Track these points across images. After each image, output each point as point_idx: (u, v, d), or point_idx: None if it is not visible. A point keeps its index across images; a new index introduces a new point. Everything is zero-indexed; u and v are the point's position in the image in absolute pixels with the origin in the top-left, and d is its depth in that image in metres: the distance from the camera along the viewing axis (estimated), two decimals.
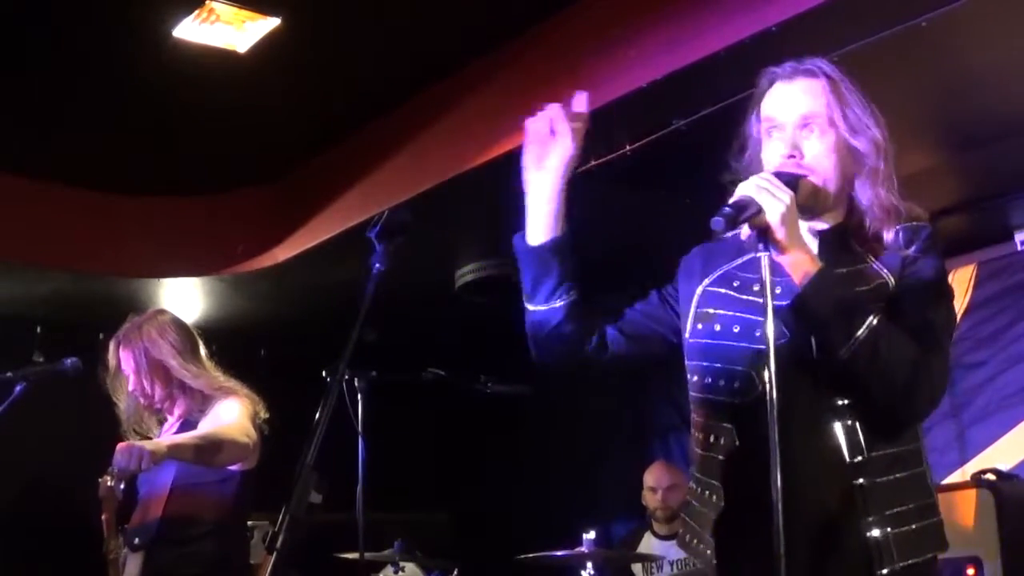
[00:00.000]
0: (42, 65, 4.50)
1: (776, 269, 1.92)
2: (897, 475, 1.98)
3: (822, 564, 1.94)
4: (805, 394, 1.95)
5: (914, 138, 4.28)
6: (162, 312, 3.69)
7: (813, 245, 2.04)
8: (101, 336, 3.78)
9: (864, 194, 2.06)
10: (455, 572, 5.28)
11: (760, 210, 1.89)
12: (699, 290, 2.14)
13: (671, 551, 4.90)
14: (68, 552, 4.68)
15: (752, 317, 2.04)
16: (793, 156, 2.04)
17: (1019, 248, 5.32)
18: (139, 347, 3.51)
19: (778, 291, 1.94)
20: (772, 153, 2.07)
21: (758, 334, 2.01)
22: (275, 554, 1.89)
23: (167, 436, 3.41)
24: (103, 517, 3.36)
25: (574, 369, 2.19)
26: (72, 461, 4.33)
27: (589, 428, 7.05)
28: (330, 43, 4.47)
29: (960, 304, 5.30)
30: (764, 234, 1.90)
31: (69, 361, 3.62)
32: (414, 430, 7.00)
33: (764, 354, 1.93)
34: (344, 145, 5.32)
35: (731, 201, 1.91)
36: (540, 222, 2.06)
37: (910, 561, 1.94)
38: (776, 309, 1.86)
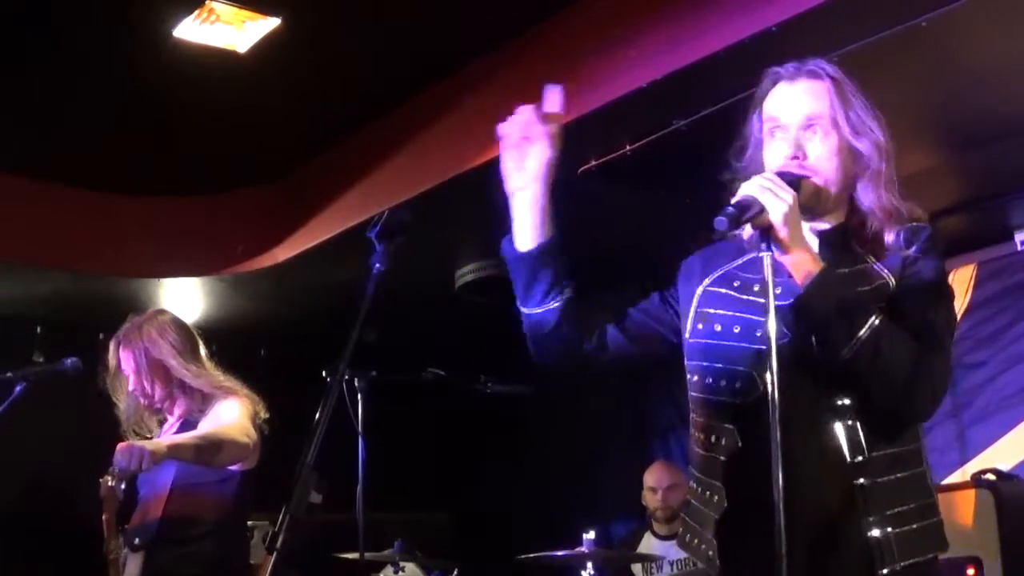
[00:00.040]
0: (42, 65, 4.50)
1: (776, 269, 1.92)
2: (898, 475, 1.98)
3: (823, 564, 1.93)
4: (806, 394, 1.95)
5: (914, 138, 4.28)
6: (162, 312, 3.69)
7: (814, 245, 2.04)
8: (101, 336, 3.78)
9: (866, 196, 2.06)
10: (455, 572, 5.28)
11: (763, 210, 1.89)
12: (699, 290, 2.14)
13: (671, 551, 4.90)
14: (68, 552, 4.68)
15: (752, 317, 2.04)
16: (796, 157, 2.04)
17: (1019, 248, 5.32)
18: (139, 347, 3.51)
19: (778, 291, 1.94)
20: (774, 153, 2.08)
21: (759, 334, 2.01)
22: (275, 554, 1.89)
23: (167, 436, 3.41)
24: (103, 517, 3.37)
25: (574, 369, 2.19)
26: (72, 461, 4.34)
27: (589, 428, 7.05)
28: (330, 43, 4.47)
29: (960, 304, 5.30)
30: (767, 233, 1.90)
31: (69, 361, 3.62)
32: (414, 430, 7.00)
33: (765, 354, 1.93)
34: (344, 145, 5.32)
35: (734, 201, 1.92)
36: (526, 228, 2.05)
37: (911, 561, 1.94)
38: (777, 309, 1.86)
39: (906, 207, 2.07)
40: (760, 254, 1.90)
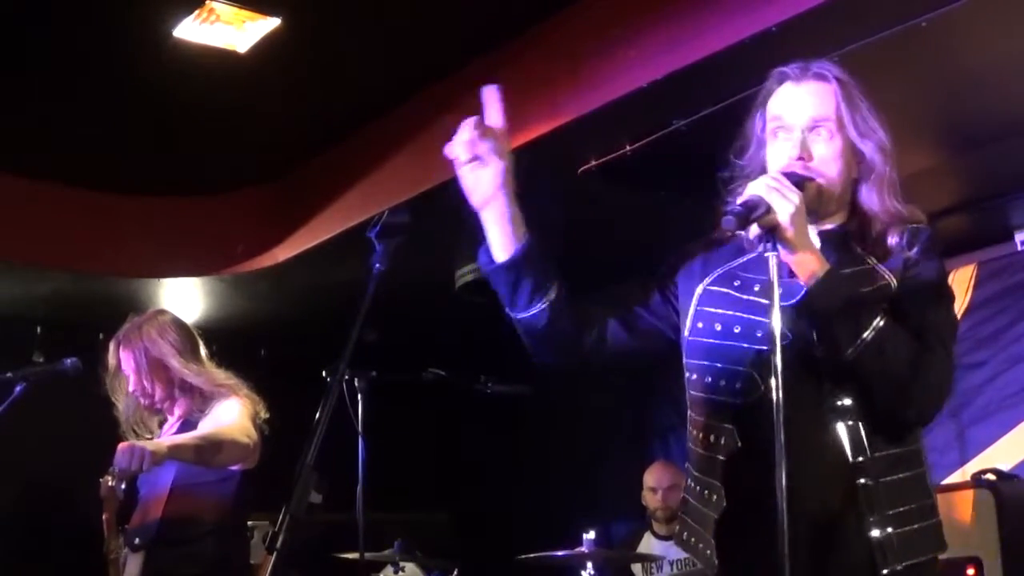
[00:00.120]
0: (42, 65, 4.50)
1: (778, 270, 1.92)
2: (900, 475, 1.98)
3: (824, 564, 1.94)
4: (807, 395, 1.95)
5: (914, 138, 4.28)
6: (162, 312, 3.69)
7: (817, 246, 2.04)
8: (101, 336, 3.78)
9: (869, 198, 2.07)
10: (455, 572, 5.28)
11: (770, 209, 1.90)
12: (699, 289, 2.14)
13: (671, 551, 4.90)
14: (68, 552, 4.69)
15: (753, 317, 2.04)
16: (801, 158, 2.04)
17: (1019, 248, 5.32)
18: (139, 347, 3.51)
19: (779, 291, 1.94)
20: (778, 153, 2.07)
21: (759, 334, 2.01)
22: (275, 554, 1.89)
23: (168, 436, 3.41)
24: (104, 517, 3.37)
25: (575, 365, 2.18)
26: (72, 461, 4.34)
27: (589, 428, 7.05)
28: (330, 43, 4.47)
29: (960, 304, 5.30)
30: (773, 233, 1.90)
31: (69, 361, 3.62)
32: (414, 430, 7.00)
33: (765, 354, 1.94)
34: (344, 145, 5.32)
35: (741, 200, 1.92)
36: (498, 240, 2.02)
37: (912, 561, 1.94)
38: (780, 309, 1.86)
39: (907, 209, 2.07)
40: (766, 254, 1.90)
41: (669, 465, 5.35)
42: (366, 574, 5.01)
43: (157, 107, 4.84)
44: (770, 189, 1.91)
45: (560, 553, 4.58)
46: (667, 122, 4.15)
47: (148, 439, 3.41)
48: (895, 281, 2.01)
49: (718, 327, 2.08)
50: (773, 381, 1.80)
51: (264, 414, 3.50)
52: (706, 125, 3.98)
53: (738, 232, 1.98)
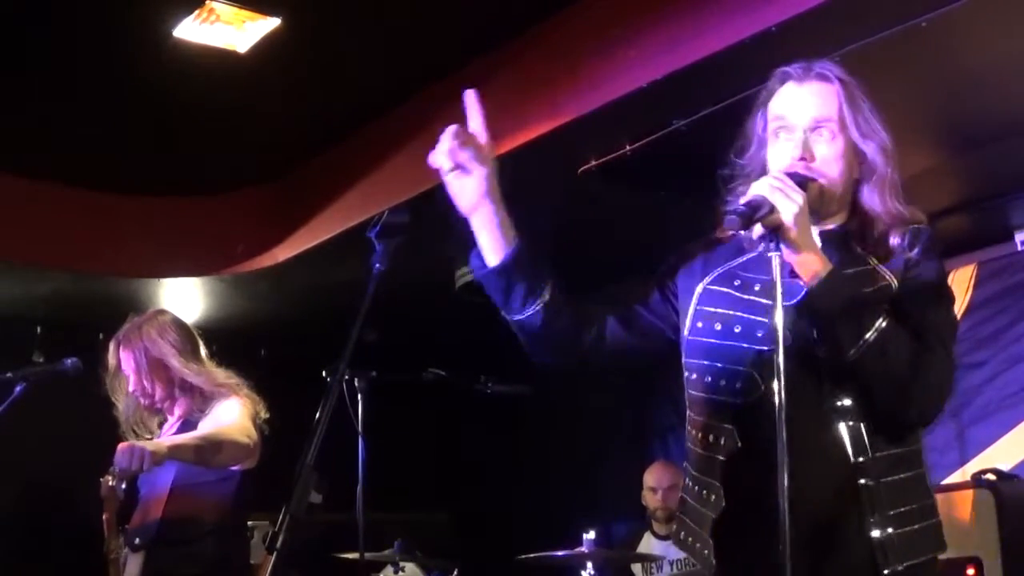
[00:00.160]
0: (42, 65, 4.50)
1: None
2: (901, 475, 1.98)
3: (825, 564, 1.93)
4: (808, 395, 1.95)
5: (914, 138, 4.28)
6: (162, 312, 3.69)
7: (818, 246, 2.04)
8: (101, 336, 3.78)
9: (871, 199, 2.07)
10: (455, 572, 5.28)
11: (773, 209, 1.90)
12: (699, 288, 2.14)
13: (671, 551, 4.90)
14: (68, 552, 4.69)
15: (753, 317, 2.04)
16: (803, 159, 2.04)
17: (1019, 248, 5.32)
18: (139, 347, 3.51)
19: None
20: (780, 153, 2.07)
21: (760, 334, 2.01)
22: (275, 554, 1.89)
23: (168, 436, 3.41)
24: (104, 517, 3.37)
25: (574, 365, 2.17)
26: (72, 461, 4.33)
27: (589, 428, 7.05)
28: (330, 43, 4.47)
29: (960, 304, 5.30)
30: (776, 233, 1.90)
31: (69, 361, 3.62)
32: (414, 430, 7.00)
33: (766, 355, 1.94)
34: (344, 145, 5.32)
35: (745, 200, 1.92)
36: (488, 245, 2.02)
37: (913, 561, 1.95)
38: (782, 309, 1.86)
39: (909, 210, 2.07)
40: (769, 254, 1.90)
41: (669, 465, 5.35)
42: (366, 574, 5.01)
43: (157, 107, 4.84)
44: (774, 189, 1.91)
45: (560, 553, 4.58)
46: (667, 122, 4.15)
47: (148, 439, 3.41)
48: (896, 282, 2.01)
49: (718, 327, 2.08)
50: (776, 382, 1.80)
51: (264, 414, 3.50)
52: (706, 125, 3.98)
53: (738, 232, 1.97)
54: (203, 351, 3.62)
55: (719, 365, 2.06)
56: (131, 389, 3.53)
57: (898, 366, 1.91)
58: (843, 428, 1.96)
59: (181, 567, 3.36)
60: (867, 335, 1.90)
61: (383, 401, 4.13)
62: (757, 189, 1.92)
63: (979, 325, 5.32)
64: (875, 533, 1.93)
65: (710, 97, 3.89)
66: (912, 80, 3.91)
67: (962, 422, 5.26)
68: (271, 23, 4.24)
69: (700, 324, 2.11)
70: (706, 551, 2.03)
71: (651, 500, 5.24)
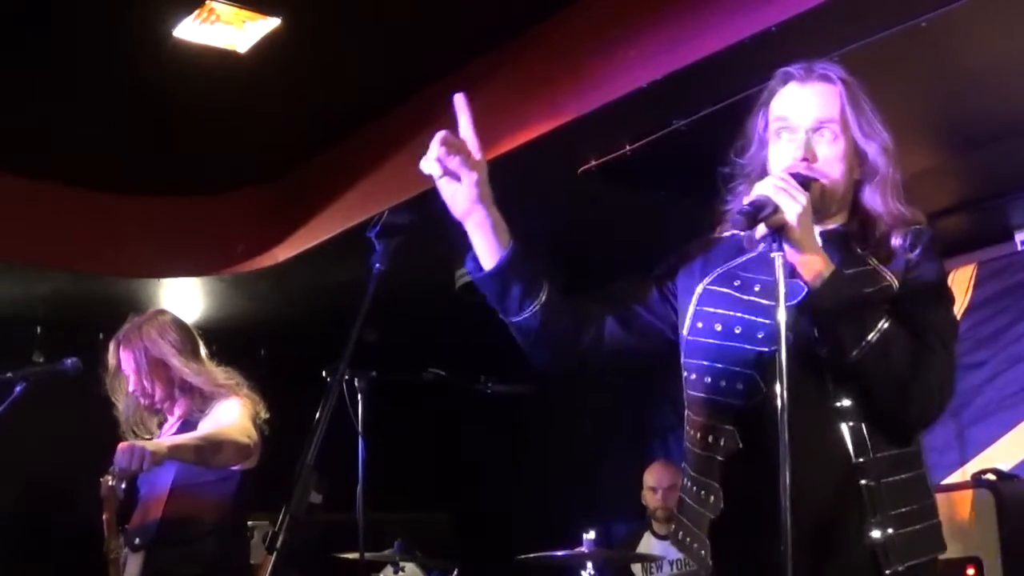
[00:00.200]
0: (42, 65, 4.50)
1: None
2: (902, 476, 1.98)
3: (826, 565, 1.93)
4: (809, 395, 1.94)
5: (914, 138, 4.28)
6: (162, 312, 3.69)
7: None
8: (101, 336, 3.78)
9: (872, 200, 2.07)
10: (455, 572, 5.28)
11: (777, 209, 1.90)
12: (699, 288, 2.13)
13: (671, 551, 4.90)
14: (68, 552, 4.69)
15: (754, 318, 2.03)
16: (805, 159, 2.04)
17: (1019, 248, 5.32)
18: (139, 347, 3.51)
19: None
20: (781, 153, 2.07)
21: (760, 335, 2.01)
22: (275, 554, 1.89)
23: (168, 436, 3.41)
24: (104, 517, 3.37)
25: (573, 365, 2.17)
26: (72, 461, 4.34)
27: (589, 428, 7.06)
28: (330, 43, 4.47)
29: (960, 304, 5.30)
30: (779, 233, 1.90)
31: (69, 361, 3.62)
32: (414, 430, 7.00)
33: (766, 356, 1.94)
34: (344, 145, 5.32)
35: (748, 200, 1.92)
36: (483, 249, 2.02)
37: (913, 562, 1.94)
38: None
39: (910, 211, 2.07)
40: (772, 254, 1.90)
41: (669, 465, 5.35)
42: (366, 574, 5.01)
43: (157, 107, 4.84)
44: (778, 189, 1.91)
45: (560, 553, 4.58)
46: (667, 122, 4.15)
47: (148, 439, 3.41)
48: (897, 282, 2.01)
49: (718, 327, 2.08)
50: (778, 384, 1.80)
51: (264, 414, 3.50)
52: (706, 125, 3.98)
53: (738, 231, 1.97)
54: (203, 351, 3.62)
55: (719, 366, 2.05)
56: (131, 389, 3.53)
57: (899, 367, 1.90)
58: (844, 428, 1.96)
59: (181, 567, 3.36)
60: (869, 336, 1.89)
61: (383, 401, 4.13)
62: (761, 189, 1.92)
63: (979, 325, 5.32)
64: (876, 533, 1.93)
65: (710, 97, 3.89)
66: (912, 80, 3.91)
67: (962, 422, 5.26)
68: (271, 23, 4.24)
69: (700, 324, 2.11)
70: (703, 551, 2.03)
71: (651, 500, 5.24)
